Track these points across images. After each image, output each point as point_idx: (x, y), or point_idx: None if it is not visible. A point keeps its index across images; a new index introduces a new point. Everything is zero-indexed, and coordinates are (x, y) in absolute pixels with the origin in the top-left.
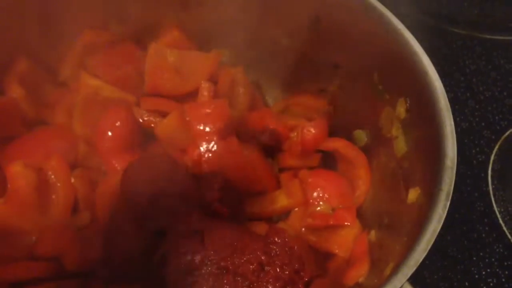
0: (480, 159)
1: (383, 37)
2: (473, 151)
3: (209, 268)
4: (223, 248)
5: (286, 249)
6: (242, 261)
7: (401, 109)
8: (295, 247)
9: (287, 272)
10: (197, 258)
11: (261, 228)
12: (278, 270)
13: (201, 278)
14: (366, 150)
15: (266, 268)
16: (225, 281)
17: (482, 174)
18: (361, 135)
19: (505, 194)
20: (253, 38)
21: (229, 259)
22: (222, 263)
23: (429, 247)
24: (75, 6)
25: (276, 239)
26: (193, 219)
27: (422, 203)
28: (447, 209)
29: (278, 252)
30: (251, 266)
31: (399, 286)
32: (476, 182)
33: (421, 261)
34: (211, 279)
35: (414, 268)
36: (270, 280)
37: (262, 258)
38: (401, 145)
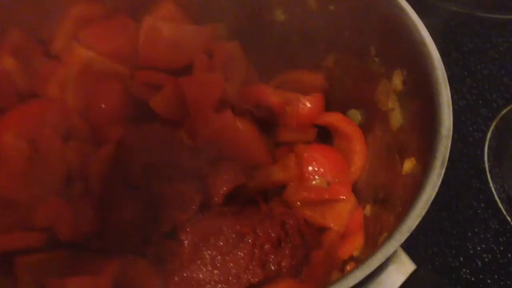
0: (476, 137)
1: (380, 8)
2: (470, 128)
3: (228, 235)
4: (242, 218)
5: (300, 233)
6: (262, 231)
7: (397, 81)
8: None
9: (299, 254)
10: (216, 225)
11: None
12: (292, 249)
13: (218, 246)
14: (362, 125)
15: (283, 244)
16: (243, 249)
17: (479, 152)
18: (356, 115)
19: (501, 172)
20: (249, 12)
21: (249, 226)
22: (241, 230)
23: (423, 213)
24: None
25: (291, 222)
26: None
27: (417, 173)
28: (441, 177)
29: (292, 234)
30: (270, 237)
31: (392, 251)
32: (472, 160)
33: (414, 228)
34: (230, 246)
35: (407, 234)
36: (285, 256)
37: (281, 233)
38: (397, 118)
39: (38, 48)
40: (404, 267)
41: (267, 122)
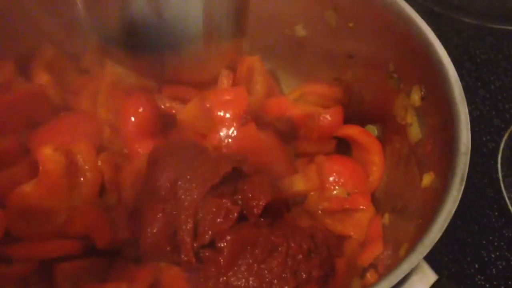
0: (490, 147)
1: (398, 27)
2: (484, 139)
3: (264, 245)
4: (276, 229)
5: (327, 245)
6: (294, 243)
7: (415, 96)
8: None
9: (327, 264)
10: (253, 235)
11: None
12: (321, 260)
13: (254, 255)
14: (380, 138)
15: (312, 255)
16: (277, 259)
17: (492, 162)
18: (372, 130)
19: None
20: (270, 28)
21: (282, 237)
22: (275, 241)
23: (444, 227)
24: None
25: (320, 235)
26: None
27: (436, 187)
28: (461, 193)
29: (321, 246)
30: (301, 249)
31: (416, 263)
32: (486, 169)
33: (436, 241)
34: (265, 255)
35: (430, 247)
36: (315, 266)
37: (311, 245)
38: (415, 132)
39: (70, 63)
40: (426, 278)
41: (288, 134)
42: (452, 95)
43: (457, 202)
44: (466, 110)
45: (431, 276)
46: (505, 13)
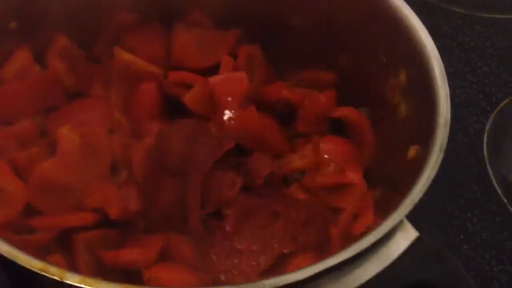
0: (476, 128)
1: (386, 15)
2: (470, 120)
3: (266, 213)
4: (276, 200)
5: (322, 216)
6: (293, 211)
7: (402, 78)
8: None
9: (322, 232)
10: (256, 204)
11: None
12: (317, 228)
13: (257, 221)
14: (371, 119)
15: (310, 223)
16: (278, 225)
17: (478, 141)
18: (364, 112)
19: (498, 159)
20: (269, 18)
21: (282, 206)
22: (276, 209)
23: (424, 189)
24: None
25: (316, 207)
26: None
27: (420, 158)
28: (440, 160)
29: (317, 216)
30: (299, 217)
31: (398, 220)
32: (472, 148)
33: (416, 202)
34: (267, 221)
35: (411, 207)
36: (312, 233)
37: (308, 213)
38: (402, 110)
39: (82, 52)
40: (408, 234)
41: (286, 116)
42: (434, 75)
43: (436, 168)
44: (447, 87)
45: (413, 233)
46: (492, 3)
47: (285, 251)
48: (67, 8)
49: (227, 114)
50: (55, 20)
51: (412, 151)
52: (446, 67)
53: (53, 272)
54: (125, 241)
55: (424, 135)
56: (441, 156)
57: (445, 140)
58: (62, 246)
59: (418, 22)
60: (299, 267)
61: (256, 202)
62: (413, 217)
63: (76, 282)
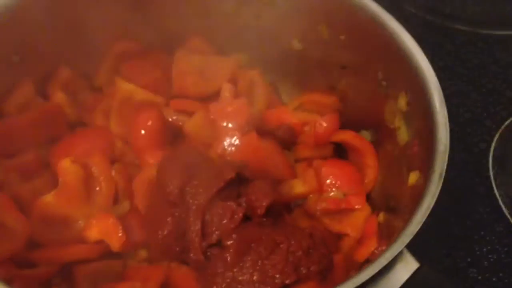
0: (481, 147)
1: (384, 39)
2: (475, 139)
3: (267, 243)
4: (277, 228)
5: (324, 243)
6: (294, 240)
7: (402, 102)
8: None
9: (325, 260)
10: (257, 233)
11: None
12: (320, 256)
13: (258, 252)
14: (373, 142)
15: (312, 251)
16: (279, 255)
17: (484, 161)
18: (366, 135)
19: (504, 179)
20: (268, 43)
21: (283, 235)
22: (277, 239)
23: (423, 219)
24: (110, 20)
25: (318, 234)
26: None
27: (420, 184)
28: (439, 187)
29: (319, 243)
30: (301, 246)
31: (397, 251)
32: (478, 168)
33: (417, 231)
34: (268, 252)
35: (411, 237)
36: (314, 262)
37: (310, 242)
38: (403, 135)
39: (84, 82)
40: (409, 265)
41: (288, 141)
42: (432, 100)
43: (436, 197)
44: (446, 113)
45: (413, 264)
46: (495, 20)
47: (287, 281)
48: (68, 39)
49: (228, 141)
50: (56, 52)
51: (413, 177)
52: (449, 86)
53: None
54: (127, 272)
55: (424, 161)
56: (440, 183)
57: (445, 167)
58: (63, 279)
59: (415, 47)
60: None
61: (257, 232)
62: (418, 241)
63: None
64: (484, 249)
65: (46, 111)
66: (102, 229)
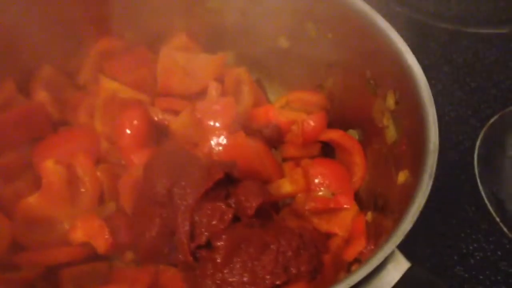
0: (467, 145)
1: (372, 37)
2: (460, 137)
3: (257, 244)
4: (267, 229)
5: (314, 243)
6: (284, 241)
7: (390, 101)
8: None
9: (314, 260)
10: (246, 234)
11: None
12: (309, 256)
13: (248, 253)
14: (361, 141)
15: (301, 251)
16: (269, 256)
17: (469, 159)
18: (354, 134)
19: (489, 176)
20: (254, 40)
21: (273, 236)
22: (267, 239)
23: (415, 219)
24: (93, 17)
25: (307, 234)
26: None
27: (410, 184)
28: (430, 187)
29: (309, 244)
30: (291, 246)
31: (389, 251)
32: (463, 166)
33: (408, 231)
34: (258, 253)
35: (402, 237)
36: (304, 262)
37: (300, 242)
38: (391, 134)
39: (67, 81)
40: (400, 265)
41: (275, 140)
42: (421, 99)
43: (426, 196)
44: (435, 112)
45: (404, 264)
46: (479, 18)
47: (277, 282)
48: (50, 36)
49: (215, 140)
50: (38, 49)
51: (402, 177)
52: (435, 85)
53: None
54: (113, 274)
55: (413, 160)
56: (431, 183)
57: (434, 167)
58: (48, 283)
59: (404, 45)
60: None
61: (247, 233)
62: (405, 239)
63: None
64: (471, 247)
65: (28, 110)
66: (87, 231)
